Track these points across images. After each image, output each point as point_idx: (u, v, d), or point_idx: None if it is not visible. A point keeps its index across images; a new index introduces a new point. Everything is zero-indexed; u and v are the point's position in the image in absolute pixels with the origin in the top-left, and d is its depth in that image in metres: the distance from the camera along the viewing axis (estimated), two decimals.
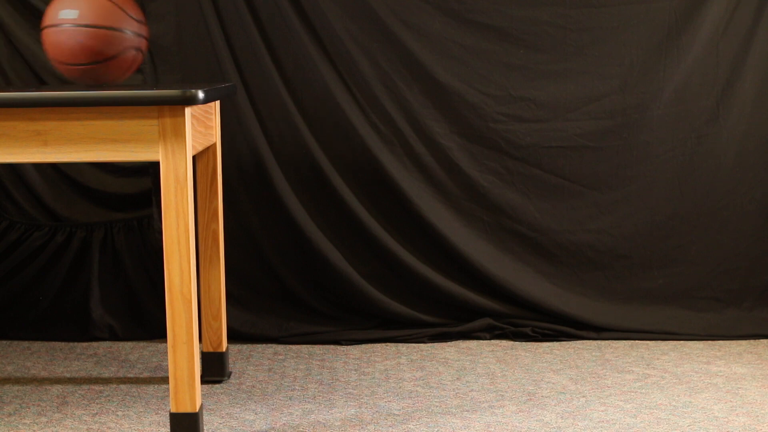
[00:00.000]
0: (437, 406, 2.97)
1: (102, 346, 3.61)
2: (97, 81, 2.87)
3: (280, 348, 3.57)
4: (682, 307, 3.71)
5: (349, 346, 3.59)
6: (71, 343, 3.63)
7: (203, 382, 3.18)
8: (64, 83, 3.62)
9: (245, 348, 3.57)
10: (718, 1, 3.61)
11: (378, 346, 3.59)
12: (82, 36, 2.78)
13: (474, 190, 3.71)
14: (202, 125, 2.88)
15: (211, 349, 3.22)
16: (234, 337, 3.60)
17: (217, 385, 3.18)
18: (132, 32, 2.84)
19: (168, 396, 3.07)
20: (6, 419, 2.91)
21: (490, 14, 3.64)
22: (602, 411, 2.92)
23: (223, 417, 2.91)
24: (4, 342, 3.65)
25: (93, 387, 3.18)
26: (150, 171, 3.63)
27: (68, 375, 3.29)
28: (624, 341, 3.61)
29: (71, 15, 2.79)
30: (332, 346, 3.59)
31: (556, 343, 3.60)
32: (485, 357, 3.45)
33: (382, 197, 3.70)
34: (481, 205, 3.72)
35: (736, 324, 3.66)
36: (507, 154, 3.69)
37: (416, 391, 3.11)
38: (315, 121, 3.67)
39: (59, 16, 2.79)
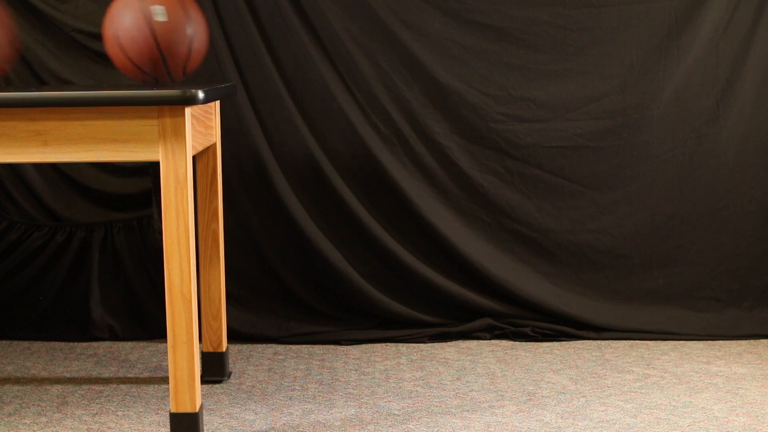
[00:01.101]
0: (437, 406, 2.97)
1: (102, 346, 3.61)
2: (116, 63, 2.89)
3: (280, 348, 3.57)
4: (682, 307, 3.71)
5: (349, 346, 3.59)
6: (71, 343, 3.63)
7: (203, 382, 3.18)
8: (64, 83, 3.63)
9: (245, 348, 3.57)
10: (718, 1, 3.61)
11: (378, 346, 3.59)
12: (146, 39, 2.79)
13: (474, 190, 3.71)
14: (202, 125, 2.88)
15: (211, 349, 3.22)
16: (234, 337, 3.60)
17: (217, 385, 3.18)
18: (170, 73, 2.86)
19: (168, 396, 3.07)
20: (6, 419, 2.91)
21: (490, 14, 3.64)
22: (602, 411, 2.92)
23: (223, 417, 2.91)
24: (4, 342, 3.65)
25: (93, 387, 3.18)
26: (150, 171, 3.63)
27: (68, 375, 3.29)
28: (624, 341, 3.61)
29: (159, 17, 2.78)
30: (332, 346, 3.59)
31: (556, 343, 3.60)
32: (485, 357, 3.45)
33: (382, 197, 3.70)
34: (481, 205, 3.72)
35: (736, 324, 3.66)
36: (507, 154, 3.69)
37: (416, 391, 3.11)
38: (315, 121, 3.67)
39: (152, 7, 2.79)
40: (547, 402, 3.00)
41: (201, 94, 2.57)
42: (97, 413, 2.95)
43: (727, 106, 3.66)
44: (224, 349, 3.23)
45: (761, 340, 3.61)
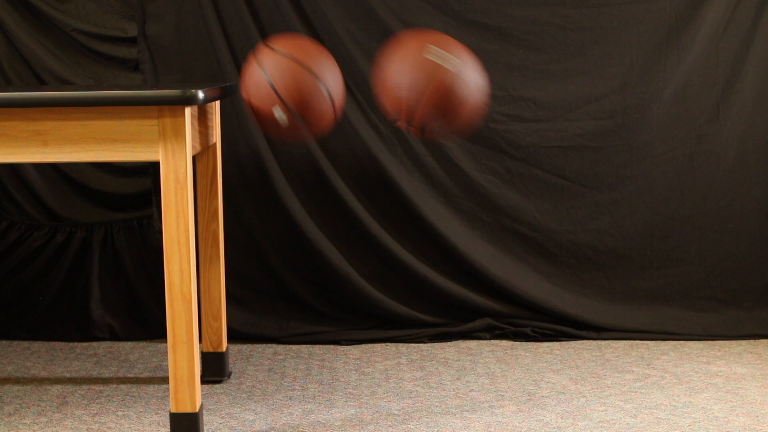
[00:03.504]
0: (437, 406, 2.97)
1: (102, 346, 3.61)
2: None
3: (280, 348, 3.57)
4: (682, 307, 3.71)
5: (349, 346, 3.59)
6: (71, 343, 3.63)
7: (203, 382, 3.18)
8: (64, 83, 3.63)
9: (245, 348, 3.57)
10: (718, 1, 3.61)
11: (378, 346, 3.59)
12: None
13: (474, 190, 3.71)
14: (202, 125, 2.88)
15: (211, 349, 3.22)
16: (234, 337, 3.60)
17: (217, 385, 3.18)
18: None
19: (168, 396, 3.07)
20: (6, 419, 2.91)
21: (490, 14, 3.64)
22: (602, 411, 2.92)
23: (223, 417, 2.91)
24: (4, 342, 3.65)
25: (93, 387, 3.18)
26: (150, 171, 3.63)
27: (68, 375, 3.29)
28: (624, 341, 3.61)
29: (277, 116, 2.76)
30: (332, 346, 3.59)
31: (556, 343, 3.60)
32: (485, 357, 3.45)
33: (382, 197, 3.70)
34: (481, 205, 3.71)
35: (736, 324, 3.66)
36: (507, 154, 3.69)
37: (416, 391, 3.11)
38: None
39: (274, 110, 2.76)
40: (547, 402, 3.00)
41: (201, 94, 2.57)
42: (97, 413, 2.95)
43: (727, 106, 3.66)
44: (224, 349, 3.23)
45: (761, 340, 3.61)
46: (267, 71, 2.75)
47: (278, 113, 2.70)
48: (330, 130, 3.00)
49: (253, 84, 2.77)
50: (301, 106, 2.73)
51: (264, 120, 2.77)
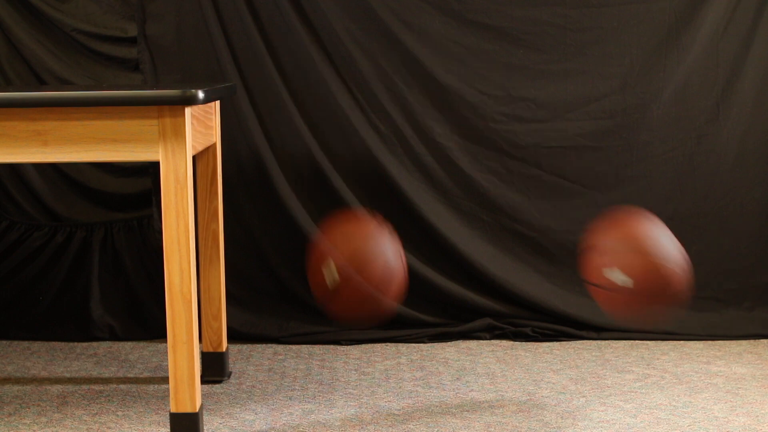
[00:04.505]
0: (437, 406, 2.97)
1: (102, 346, 3.61)
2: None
3: (280, 348, 3.58)
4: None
5: (349, 346, 3.59)
6: (71, 343, 3.63)
7: (203, 382, 3.18)
8: (64, 83, 3.62)
9: (245, 348, 3.57)
10: (718, 1, 3.61)
11: (378, 346, 3.59)
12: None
13: (474, 190, 3.71)
14: (202, 125, 2.88)
15: (211, 349, 3.22)
16: (234, 337, 3.60)
17: (217, 385, 3.18)
18: None
19: (168, 396, 3.07)
20: (6, 419, 2.91)
21: (490, 14, 3.64)
22: (602, 411, 2.92)
23: (223, 417, 2.91)
24: (4, 342, 3.65)
25: (93, 387, 3.18)
26: (150, 171, 3.63)
27: (68, 375, 3.29)
28: (624, 341, 3.61)
29: (329, 279, 2.71)
30: (332, 346, 3.59)
31: (556, 343, 3.60)
32: (485, 357, 3.45)
33: (382, 197, 3.70)
34: (481, 205, 3.71)
35: (736, 324, 3.66)
36: (507, 154, 3.69)
37: (416, 391, 3.11)
38: (315, 121, 3.67)
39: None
40: (547, 402, 3.00)
41: (201, 94, 2.57)
42: (97, 413, 2.95)
43: (727, 106, 3.66)
44: (224, 349, 3.23)
45: (761, 340, 3.61)
46: (367, 241, 2.71)
47: (332, 271, 2.67)
48: (356, 322, 2.99)
49: (349, 240, 2.72)
50: (349, 288, 2.70)
51: (319, 263, 2.72)
